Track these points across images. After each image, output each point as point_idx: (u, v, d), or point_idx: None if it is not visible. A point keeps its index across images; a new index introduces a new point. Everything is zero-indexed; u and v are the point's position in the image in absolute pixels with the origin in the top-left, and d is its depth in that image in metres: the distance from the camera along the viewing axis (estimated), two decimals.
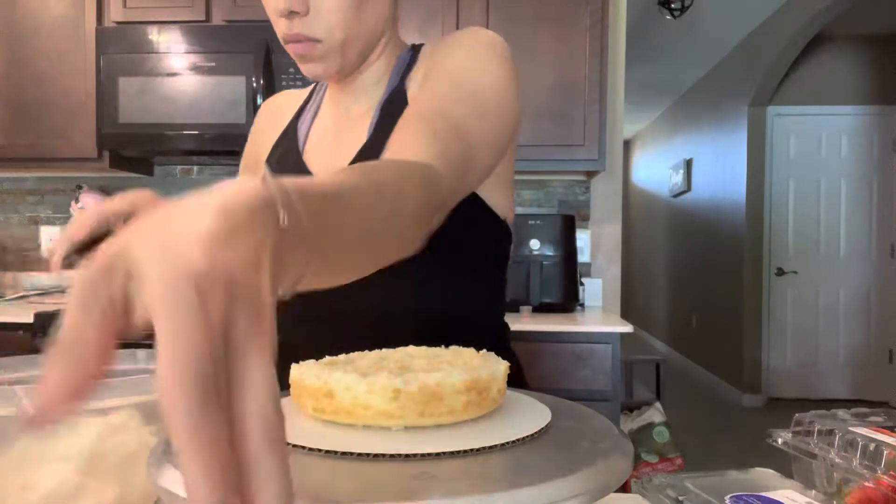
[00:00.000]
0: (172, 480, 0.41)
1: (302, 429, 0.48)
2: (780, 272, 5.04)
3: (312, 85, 0.98)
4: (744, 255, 5.06)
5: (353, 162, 0.81)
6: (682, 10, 3.93)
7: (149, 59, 2.33)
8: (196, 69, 2.31)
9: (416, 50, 0.88)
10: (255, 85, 2.23)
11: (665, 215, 7.42)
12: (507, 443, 0.45)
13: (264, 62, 2.25)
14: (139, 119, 2.33)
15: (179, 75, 2.31)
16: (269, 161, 0.93)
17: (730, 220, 5.34)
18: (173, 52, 2.32)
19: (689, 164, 6.53)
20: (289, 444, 0.45)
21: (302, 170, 0.86)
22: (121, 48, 2.34)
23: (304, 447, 0.44)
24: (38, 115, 2.45)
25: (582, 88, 2.43)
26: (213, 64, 2.30)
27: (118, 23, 2.41)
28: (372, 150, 0.81)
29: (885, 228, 4.94)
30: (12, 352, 2.04)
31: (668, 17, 4.06)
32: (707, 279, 5.92)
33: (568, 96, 2.44)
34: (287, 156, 0.90)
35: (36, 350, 2.02)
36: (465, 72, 0.75)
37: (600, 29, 2.39)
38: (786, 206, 5.05)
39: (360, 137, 0.84)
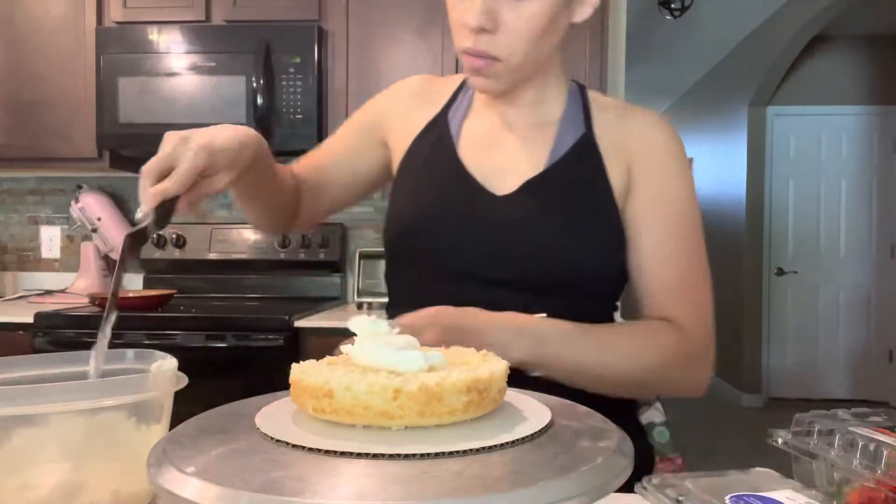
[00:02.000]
0: (172, 480, 0.41)
1: (302, 428, 0.48)
2: (780, 272, 5.04)
3: (460, 77, 1.00)
4: (744, 255, 5.06)
5: (527, 184, 0.87)
6: (682, 10, 3.93)
7: (149, 59, 2.32)
8: (196, 69, 2.31)
9: (582, 89, 0.95)
10: (255, 85, 2.23)
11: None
12: (507, 443, 0.45)
13: (264, 62, 2.25)
14: (139, 119, 2.33)
15: (179, 75, 2.31)
16: (417, 147, 0.94)
17: (730, 220, 5.34)
18: (173, 52, 2.32)
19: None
20: (289, 444, 0.45)
21: (457, 165, 0.90)
22: (121, 48, 2.34)
23: (303, 447, 0.44)
24: (38, 115, 2.45)
25: None
26: (213, 64, 2.30)
27: (118, 23, 2.41)
28: (552, 177, 0.87)
29: (885, 228, 4.94)
30: (12, 352, 2.04)
31: (668, 17, 4.06)
32: None
33: None
34: (440, 147, 0.92)
35: (36, 350, 2.02)
36: (687, 213, 0.89)
37: (600, 29, 2.39)
38: (786, 206, 5.05)
39: (531, 156, 0.89)
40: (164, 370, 0.59)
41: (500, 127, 0.92)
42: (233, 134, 0.76)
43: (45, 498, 0.54)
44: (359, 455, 0.42)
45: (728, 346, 5.35)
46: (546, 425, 0.48)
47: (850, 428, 0.58)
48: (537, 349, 0.75)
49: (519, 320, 0.77)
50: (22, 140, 2.45)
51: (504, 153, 0.90)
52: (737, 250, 5.18)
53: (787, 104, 4.99)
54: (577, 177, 0.88)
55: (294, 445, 0.44)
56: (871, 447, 0.54)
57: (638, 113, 0.92)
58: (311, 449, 0.43)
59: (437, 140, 0.93)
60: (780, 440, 0.62)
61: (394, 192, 0.95)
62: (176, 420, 0.55)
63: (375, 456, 0.42)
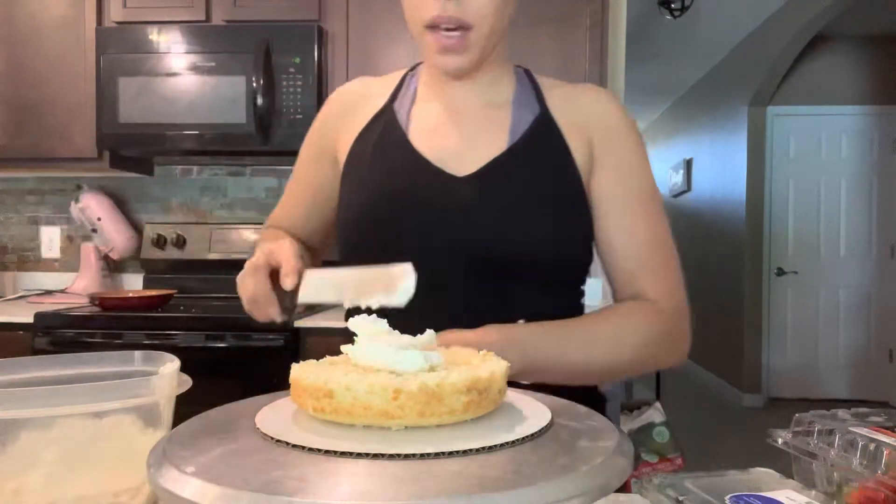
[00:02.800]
0: (172, 480, 0.41)
1: (302, 428, 0.48)
2: (780, 272, 5.04)
3: (400, 73, 0.97)
4: (744, 255, 5.06)
5: (490, 164, 0.85)
6: (682, 10, 3.93)
7: (149, 59, 2.32)
8: (196, 69, 2.31)
9: (527, 72, 0.95)
10: (255, 85, 2.23)
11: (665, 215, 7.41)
12: (507, 443, 0.45)
13: (264, 62, 2.25)
14: (139, 119, 2.33)
15: (179, 75, 2.31)
16: (364, 138, 0.91)
17: (730, 221, 5.34)
18: (173, 52, 2.31)
19: (688, 164, 6.52)
20: (289, 444, 0.45)
21: (409, 149, 0.87)
22: (121, 48, 2.34)
23: (303, 447, 0.44)
24: (38, 115, 2.45)
25: None
26: (213, 64, 2.30)
27: (118, 23, 2.41)
28: (514, 156, 0.86)
29: (885, 228, 4.93)
30: (12, 352, 2.04)
31: (668, 17, 4.06)
32: (707, 279, 5.92)
33: None
34: (389, 135, 0.89)
35: (36, 350, 2.02)
36: (649, 186, 0.90)
37: (600, 29, 2.39)
38: (786, 206, 5.05)
39: (489, 137, 0.87)
40: (166, 373, 0.59)
41: (451, 110, 0.90)
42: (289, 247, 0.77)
43: (40, 502, 0.54)
44: (358, 455, 0.42)
45: (728, 346, 5.35)
46: (546, 425, 0.48)
47: (850, 428, 0.58)
48: (524, 358, 0.73)
49: (503, 333, 0.75)
50: (22, 140, 2.45)
51: (459, 135, 0.88)
52: (737, 250, 5.18)
53: (787, 104, 4.99)
54: (540, 155, 0.86)
55: (294, 445, 0.44)
56: (871, 447, 0.54)
57: (587, 89, 0.93)
58: (310, 449, 0.43)
59: (384, 129, 0.90)
60: (780, 440, 0.62)
61: (343, 184, 0.92)
62: (176, 420, 0.55)
63: (375, 456, 0.42)
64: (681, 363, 0.89)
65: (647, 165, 0.91)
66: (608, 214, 0.87)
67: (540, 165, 0.86)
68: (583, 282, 0.92)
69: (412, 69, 0.97)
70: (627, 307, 0.86)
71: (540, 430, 0.47)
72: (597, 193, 0.87)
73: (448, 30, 0.79)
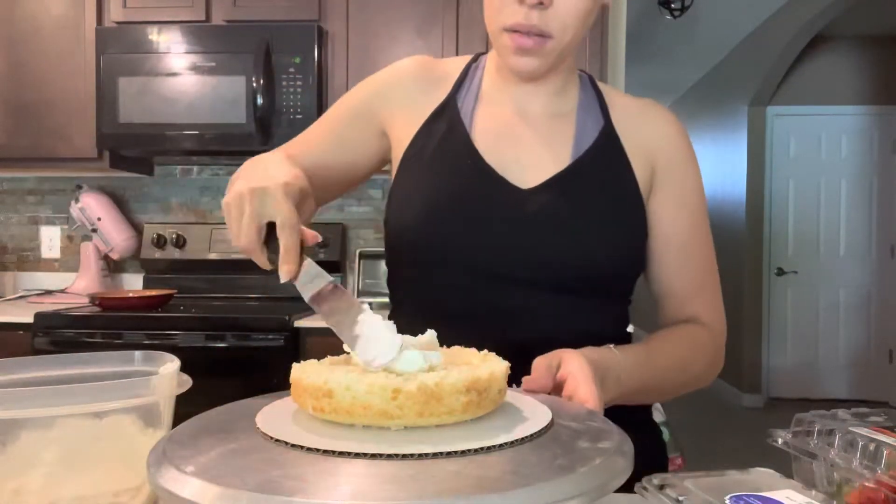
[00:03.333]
0: (172, 480, 0.41)
1: (301, 428, 0.48)
2: (780, 272, 5.04)
3: (463, 60, 0.95)
4: (744, 255, 5.06)
5: (554, 178, 0.84)
6: (682, 10, 3.93)
7: (149, 59, 2.32)
8: (196, 69, 2.31)
9: (592, 82, 0.94)
10: (255, 85, 2.23)
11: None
12: (507, 443, 0.45)
13: (264, 62, 2.25)
14: (139, 119, 2.33)
15: (179, 75, 2.31)
16: (424, 135, 0.88)
17: (730, 220, 5.34)
18: (173, 52, 2.32)
19: None
20: (287, 443, 0.45)
21: (473, 155, 0.85)
22: (121, 48, 2.34)
23: (302, 447, 0.44)
24: (38, 115, 2.45)
25: None
26: (213, 64, 2.30)
27: (118, 23, 2.41)
28: (578, 170, 0.85)
29: (885, 228, 4.93)
30: (12, 352, 2.04)
31: (668, 17, 4.06)
32: None
33: None
34: (451, 135, 0.87)
35: (36, 350, 2.02)
36: (704, 210, 0.92)
37: (600, 29, 2.39)
38: (786, 206, 5.05)
39: (553, 149, 0.86)
40: (166, 373, 0.59)
41: (516, 115, 0.88)
42: (286, 169, 0.71)
43: (40, 502, 0.54)
44: (357, 455, 0.42)
45: (728, 346, 5.33)
46: (546, 426, 0.48)
47: (850, 428, 0.58)
48: (617, 390, 0.72)
49: (598, 364, 0.70)
50: (22, 140, 2.45)
51: (523, 144, 0.86)
52: (737, 250, 5.18)
53: (787, 104, 4.99)
54: (604, 171, 0.86)
55: (293, 445, 0.44)
56: (871, 447, 0.54)
57: (651, 106, 0.93)
58: (309, 449, 0.43)
59: (447, 128, 0.87)
60: (780, 440, 0.62)
61: (398, 184, 0.89)
62: (176, 420, 0.55)
63: (374, 456, 0.42)
64: (709, 384, 0.94)
65: (702, 189, 0.92)
66: (667, 241, 0.89)
67: (603, 181, 0.86)
68: (631, 292, 0.93)
69: (475, 59, 0.95)
70: (694, 331, 0.88)
71: (539, 431, 0.47)
72: (656, 216, 0.88)
73: (528, 34, 0.78)
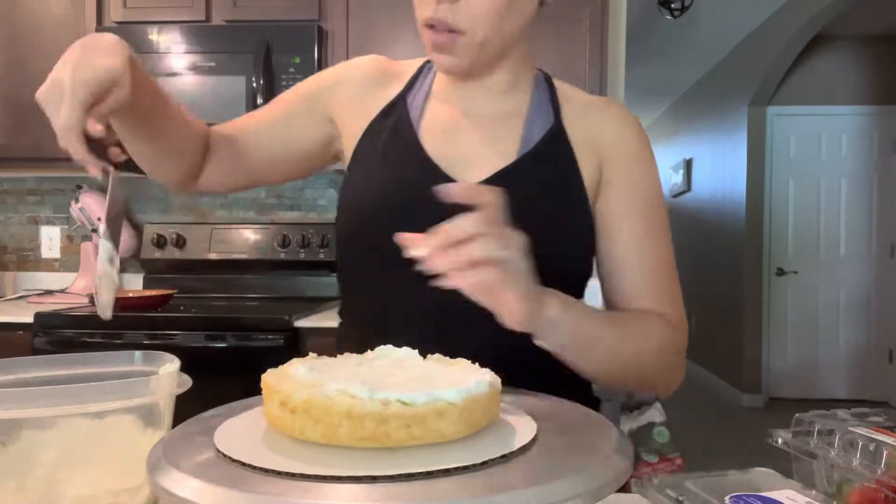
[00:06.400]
0: (172, 480, 0.41)
1: (267, 449, 0.46)
2: (780, 272, 5.04)
3: (419, 61, 0.95)
4: (744, 255, 5.06)
5: (498, 174, 0.83)
6: (682, 10, 3.93)
7: (149, 59, 2.32)
8: (196, 69, 2.31)
9: (548, 79, 0.93)
10: (254, 85, 2.23)
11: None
12: (502, 455, 0.45)
13: (264, 62, 2.25)
14: None
15: (179, 75, 2.31)
16: (373, 131, 0.89)
17: (730, 220, 5.34)
18: (173, 52, 2.31)
19: (688, 164, 6.52)
20: (244, 463, 0.44)
21: (418, 151, 0.86)
22: None
23: (253, 466, 0.42)
24: (38, 115, 2.42)
25: (582, 88, 2.42)
26: (213, 64, 2.30)
27: (118, 23, 2.41)
28: (523, 168, 0.85)
29: (885, 228, 4.93)
30: (12, 352, 2.04)
31: (668, 17, 4.06)
32: (707, 279, 5.92)
33: None
34: (399, 132, 0.88)
35: (36, 350, 2.02)
36: (659, 205, 0.90)
37: (600, 29, 2.39)
38: (786, 206, 5.05)
39: (499, 146, 0.86)
40: (166, 373, 0.59)
41: (464, 114, 0.89)
42: (103, 49, 0.68)
43: (41, 500, 0.54)
44: (342, 478, 0.41)
45: (728, 346, 5.35)
46: (534, 437, 0.47)
47: (850, 428, 0.58)
48: (565, 308, 0.70)
49: (562, 304, 0.71)
50: (22, 140, 2.45)
51: (470, 141, 0.87)
52: (737, 250, 5.18)
53: (787, 104, 4.99)
54: (549, 169, 0.86)
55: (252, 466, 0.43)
56: (871, 447, 0.54)
57: (605, 105, 0.92)
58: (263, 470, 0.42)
59: (395, 124, 0.88)
60: (780, 440, 0.62)
61: (348, 181, 0.90)
62: (176, 420, 0.55)
63: (368, 477, 0.42)
64: (668, 392, 0.88)
65: (657, 184, 0.90)
66: (618, 233, 0.87)
67: (547, 179, 0.85)
68: (581, 295, 0.92)
69: (429, 60, 0.95)
70: (648, 315, 0.85)
71: (531, 441, 0.47)
72: (605, 212, 0.87)
73: (441, 30, 0.78)
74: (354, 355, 0.58)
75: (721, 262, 5.56)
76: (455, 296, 0.76)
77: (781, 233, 5.05)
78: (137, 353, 0.65)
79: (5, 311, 2.19)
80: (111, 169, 0.66)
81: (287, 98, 0.96)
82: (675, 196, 6.93)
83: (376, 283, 0.86)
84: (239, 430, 0.49)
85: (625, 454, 0.45)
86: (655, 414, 1.01)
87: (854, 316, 5.00)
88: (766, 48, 4.74)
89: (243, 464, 0.42)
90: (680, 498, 0.50)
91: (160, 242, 2.59)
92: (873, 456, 0.54)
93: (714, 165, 5.78)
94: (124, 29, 2.37)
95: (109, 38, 0.69)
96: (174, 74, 2.31)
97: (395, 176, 0.85)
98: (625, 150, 0.89)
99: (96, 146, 0.66)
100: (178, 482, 0.40)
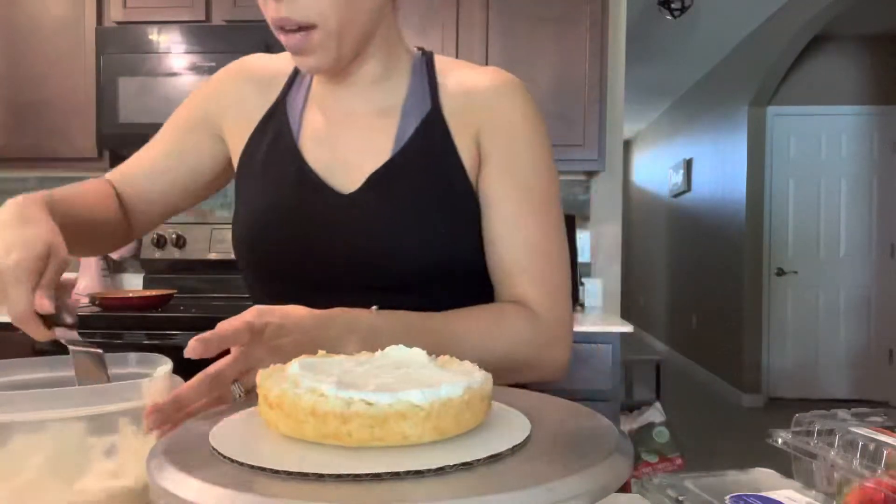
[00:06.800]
0: (172, 480, 0.41)
1: (266, 448, 0.46)
2: (780, 272, 5.04)
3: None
4: (744, 255, 5.06)
5: (371, 178, 0.80)
6: (682, 10, 3.93)
7: (149, 59, 2.33)
8: (196, 69, 2.31)
9: (428, 60, 0.86)
10: None
11: (665, 215, 7.42)
12: (498, 453, 0.45)
13: None
14: (139, 119, 2.33)
15: (179, 75, 2.31)
16: (255, 142, 0.86)
17: (730, 220, 5.34)
18: (173, 52, 2.32)
19: (689, 164, 6.53)
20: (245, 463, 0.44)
21: (298, 162, 0.83)
22: (121, 48, 2.34)
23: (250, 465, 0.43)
24: (38, 115, 2.45)
25: (582, 88, 2.43)
26: (213, 64, 2.30)
27: (118, 23, 2.41)
28: (398, 167, 0.80)
29: (885, 228, 4.94)
30: (12, 352, 2.04)
31: (668, 17, 4.06)
32: (707, 279, 5.92)
33: (568, 96, 2.44)
34: (279, 142, 0.85)
35: (36, 350, 2.01)
36: (542, 185, 0.83)
37: (600, 29, 2.39)
38: (786, 206, 5.05)
39: (374, 145, 0.82)
40: (157, 377, 0.59)
41: (341, 115, 0.84)
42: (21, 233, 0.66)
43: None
44: (343, 477, 0.41)
45: (728, 346, 5.35)
46: (529, 434, 0.47)
47: (850, 428, 0.58)
48: (368, 346, 0.65)
49: (349, 315, 0.68)
50: (22, 140, 2.45)
51: (346, 144, 0.83)
52: (737, 250, 5.18)
53: (787, 104, 4.99)
54: (425, 160, 0.81)
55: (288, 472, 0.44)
56: (871, 447, 0.54)
57: (483, 76, 0.84)
58: (272, 468, 0.43)
59: (275, 135, 0.85)
60: (780, 440, 0.62)
61: (236, 195, 0.87)
62: None
63: (368, 476, 0.42)
64: (558, 377, 0.82)
65: (543, 163, 0.83)
66: (492, 211, 0.81)
67: (424, 172, 0.81)
68: (483, 282, 0.86)
69: None
70: (500, 307, 0.81)
71: (527, 438, 0.47)
72: (483, 189, 0.82)
73: (291, 31, 0.73)
74: (365, 354, 0.58)
75: (721, 262, 5.56)
76: (349, 305, 0.71)
77: (781, 233, 5.05)
78: (132, 356, 0.65)
79: (6, 311, 2.18)
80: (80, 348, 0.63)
81: (176, 124, 0.93)
82: (675, 196, 6.93)
83: (265, 296, 0.84)
84: (237, 430, 0.49)
85: (625, 454, 0.45)
86: (655, 414, 1.01)
87: (854, 316, 5.00)
88: (766, 48, 4.74)
89: (242, 463, 0.42)
90: (680, 498, 0.50)
91: (160, 242, 2.59)
92: (873, 456, 0.54)
93: (714, 165, 5.78)
94: (124, 29, 2.37)
95: (20, 204, 0.68)
96: (174, 74, 2.31)
97: (275, 191, 0.83)
98: (501, 124, 0.82)
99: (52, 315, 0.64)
100: (178, 482, 0.40)
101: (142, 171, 0.92)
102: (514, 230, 0.81)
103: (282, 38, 0.74)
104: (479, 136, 0.82)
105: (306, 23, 0.72)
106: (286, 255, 0.81)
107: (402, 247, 0.78)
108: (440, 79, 0.85)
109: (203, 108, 0.91)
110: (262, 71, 0.89)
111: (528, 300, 0.80)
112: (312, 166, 0.82)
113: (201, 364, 0.57)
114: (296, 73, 0.89)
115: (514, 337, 0.78)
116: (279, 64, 0.90)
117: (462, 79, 0.85)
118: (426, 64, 0.86)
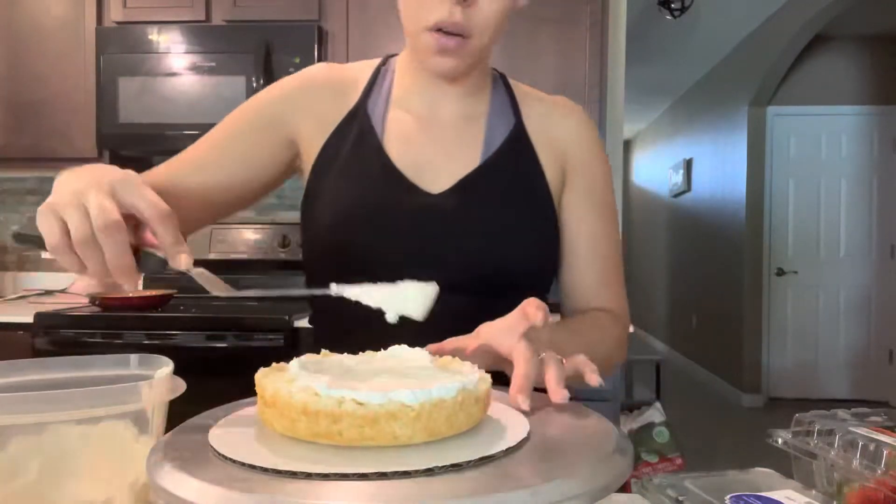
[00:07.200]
0: (172, 481, 0.41)
1: (267, 448, 0.46)
2: (780, 272, 5.04)
3: (372, 64, 0.93)
4: (744, 255, 5.06)
5: (462, 181, 0.84)
6: (682, 10, 3.93)
7: (149, 59, 2.32)
8: (196, 69, 2.31)
9: (503, 77, 0.94)
10: (255, 85, 2.23)
11: (665, 215, 7.42)
12: (494, 454, 0.44)
13: (264, 62, 2.25)
14: (139, 119, 2.33)
15: (179, 75, 2.31)
16: (335, 142, 0.87)
17: (730, 220, 5.34)
18: (173, 52, 2.32)
19: (689, 164, 6.52)
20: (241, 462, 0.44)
21: (383, 161, 0.85)
22: (121, 48, 2.34)
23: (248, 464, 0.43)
24: (38, 115, 2.45)
25: (582, 88, 2.43)
26: (213, 64, 2.30)
27: (118, 23, 2.41)
28: (487, 173, 0.86)
29: (885, 228, 4.93)
30: (12, 352, 2.04)
31: (668, 17, 4.06)
32: (707, 279, 5.92)
33: (568, 96, 2.43)
34: (362, 141, 0.87)
35: (36, 350, 2.01)
36: (612, 203, 0.94)
37: (600, 29, 2.39)
38: (786, 206, 5.05)
39: (463, 151, 0.87)
40: (156, 379, 0.59)
41: (427, 119, 0.88)
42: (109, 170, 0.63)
43: None
44: (344, 475, 0.41)
45: (728, 346, 5.35)
46: (527, 435, 0.47)
47: (850, 428, 0.58)
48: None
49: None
50: (22, 140, 2.45)
51: (433, 147, 0.87)
52: (737, 250, 5.18)
53: (787, 104, 4.99)
54: (513, 172, 0.87)
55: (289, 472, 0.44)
56: (871, 447, 0.54)
57: (561, 105, 0.94)
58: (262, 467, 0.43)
59: (358, 134, 0.87)
60: (780, 440, 0.62)
61: (311, 192, 0.87)
62: (176, 420, 0.55)
63: (367, 475, 0.42)
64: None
65: (611, 186, 0.94)
66: (577, 238, 0.90)
67: (512, 181, 0.86)
68: (548, 290, 0.93)
69: (384, 62, 0.94)
70: (597, 316, 0.90)
71: (525, 439, 0.47)
72: (566, 214, 0.90)
73: (449, 33, 0.78)
74: (368, 354, 0.58)
75: (721, 262, 5.56)
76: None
77: (781, 233, 5.05)
78: (133, 357, 0.65)
79: (5, 311, 2.18)
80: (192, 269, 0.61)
81: (237, 128, 0.90)
82: (675, 196, 6.93)
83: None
84: (237, 430, 0.49)
85: (625, 454, 0.45)
86: (655, 414, 1.03)
87: (854, 316, 5.00)
88: (766, 48, 4.74)
89: (242, 463, 0.42)
90: (680, 498, 0.50)
91: None
92: (873, 456, 0.54)
93: (714, 165, 5.78)
94: (124, 29, 2.37)
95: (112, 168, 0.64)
96: (174, 74, 2.31)
97: (361, 187, 0.84)
98: (585, 153, 0.92)
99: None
100: (179, 483, 0.40)
101: (192, 166, 0.87)
102: (595, 254, 0.91)
103: (434, 35, 0.78)
104: (564, 161, 0.90)
105: (469, 31, 0.78)
106: (366, 249, 0.83)
107: (484, 249, 0.83)
108: (519, 97, 0.92)
109: (270, 111, 0.90)
110: (336, 78, 0.92)
111: (610, 306, 0.91)
112: (398, 166, 0.85)
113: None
114: (374, 78, 0.92)
115: (613, 342, 0.88)
116: (351, 72, 0.93)
117: (540, 101, 0.93)
118: (502, 80, 0.94)
